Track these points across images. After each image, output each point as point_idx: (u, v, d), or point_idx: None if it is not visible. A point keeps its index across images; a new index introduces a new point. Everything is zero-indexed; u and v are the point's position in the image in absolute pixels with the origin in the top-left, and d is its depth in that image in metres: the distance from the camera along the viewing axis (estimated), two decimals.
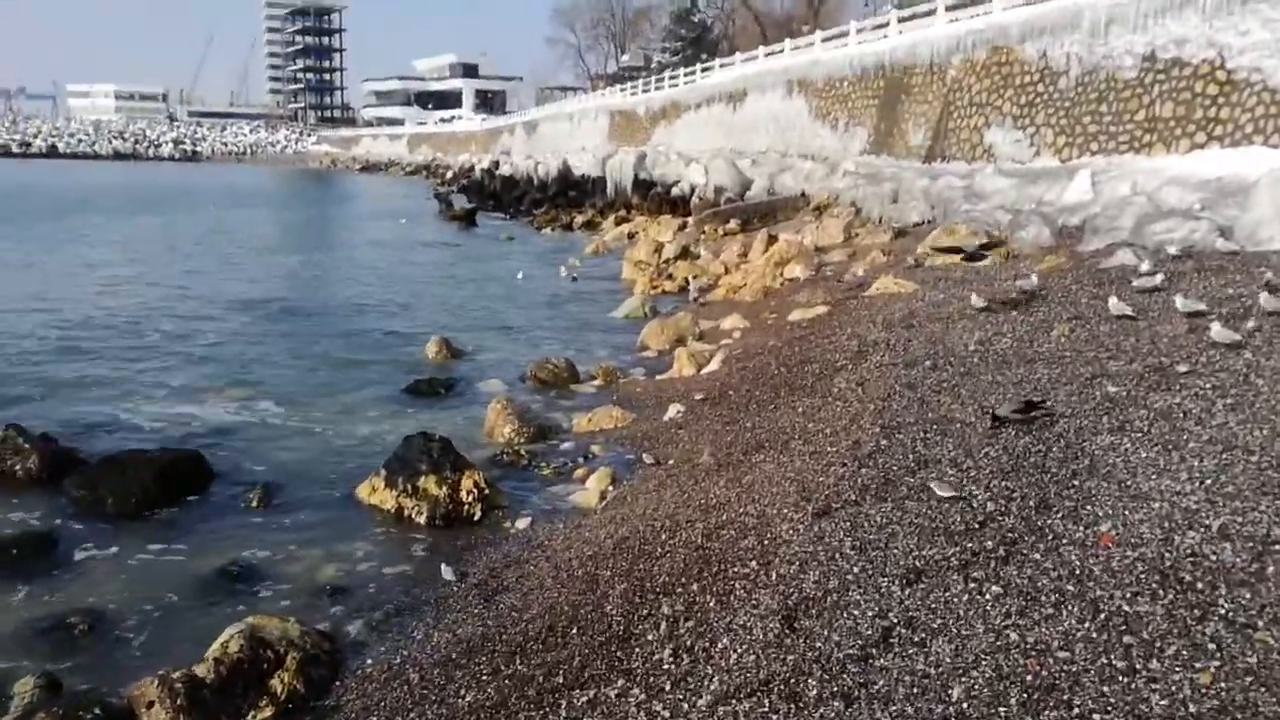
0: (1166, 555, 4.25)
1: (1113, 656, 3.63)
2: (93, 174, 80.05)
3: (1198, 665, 3.48)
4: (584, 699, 4.19)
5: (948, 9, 25.08)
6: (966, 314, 10.94)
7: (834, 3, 67.84)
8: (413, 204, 49.82)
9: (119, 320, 15.60)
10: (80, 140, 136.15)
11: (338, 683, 5.00)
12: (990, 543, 4.75)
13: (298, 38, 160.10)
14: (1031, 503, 5.16)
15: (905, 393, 8.22)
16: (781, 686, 3.88)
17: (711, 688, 4.00)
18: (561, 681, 4.38)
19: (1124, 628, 3.80)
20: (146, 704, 4.51)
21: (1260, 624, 3.68)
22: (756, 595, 4.67)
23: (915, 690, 3.68)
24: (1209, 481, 4.96)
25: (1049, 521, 4.88)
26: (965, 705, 3.53)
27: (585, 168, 43.56)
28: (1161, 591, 3.99)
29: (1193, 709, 3.30)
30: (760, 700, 3.83)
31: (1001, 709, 3.47)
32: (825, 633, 4.19)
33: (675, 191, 33.79)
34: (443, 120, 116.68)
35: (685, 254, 23.40)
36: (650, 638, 4.55)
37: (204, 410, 10.43)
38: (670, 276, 20.99)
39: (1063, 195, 16.04)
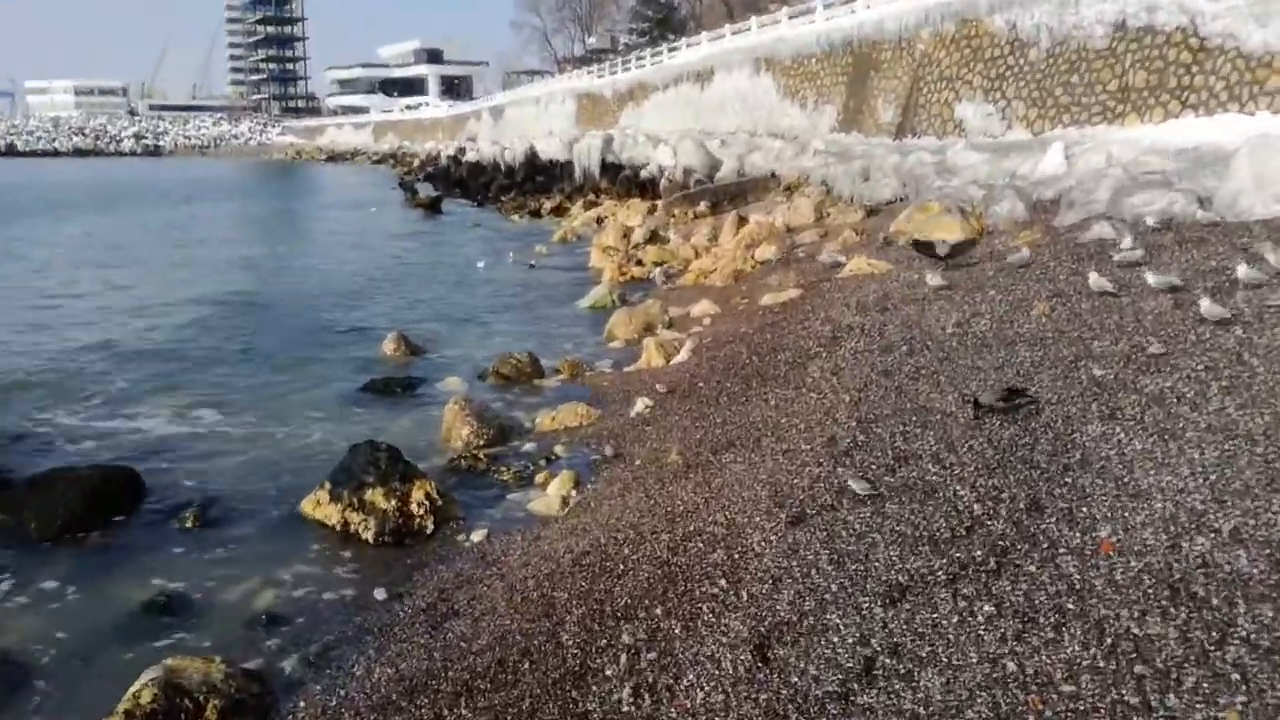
0: (1175, 565, 3.85)
1: (1124, 690, 3.22)
2: (51, 172, 78.35)
3: (1221, 701, 3.08)
4: None
5: None
6: (942, 294, 10.54)
7: None
8: (377, 193, 48.99)
9: (60, 323, 14.94)
10: (40, 138, 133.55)
11: None
12: (980, 552, 4.33)
13: (259, 27, 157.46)
14: (1022, 504, 4.75)
15: (881, 381, 7.81)
16: None
17: None
18: None
19: (1134, 654, 3.39)
20: None
21: None
22: (726, 620, 4.23)
23: None
24: (1213, 476, 4.56)
25: (1042, 526, 4.47)
26: None
27: (552, 152, 42.86)
28: (1173, 609, 3.58)
29: None
30: None
31: None
32: (801, 665, 3.76)
33: (644, 174, 33.24)
34: (409, 108, 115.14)
35: (654, 238, 22.91)
36: (609, 672, 4.10)
37: (144, 419, 9.85)
38: (639, 262, 20.51)
39: (1036, 168, 15.68)
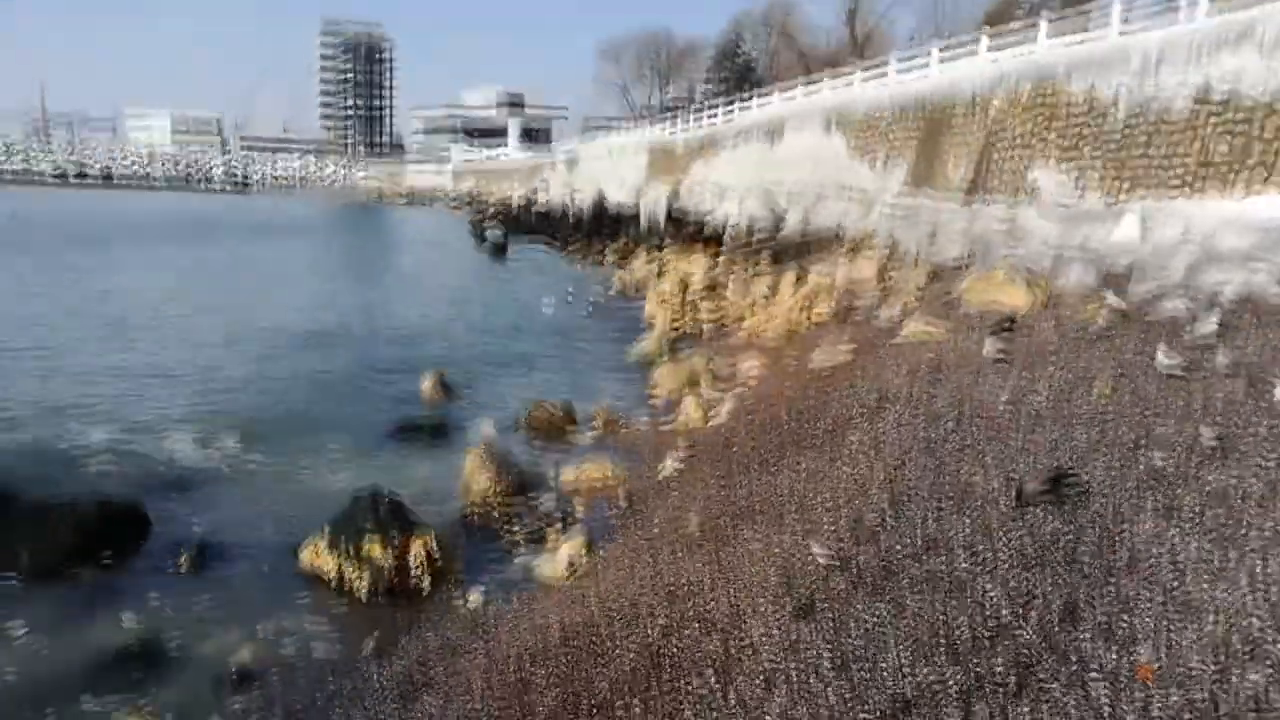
0: (1222, 701, 3.31)
1: None
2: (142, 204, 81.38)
3: None
4: None
5: (990, 40, 24.17)
6: (1000, 363, 9.98)
7: (879, 39, 67.06)
8: (450, 234, 49.66)
9: (123, 348, 15.10)
10: (134, 164, 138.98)
11: None
12: (1001, 664, 3.83)
13: (350, 73, 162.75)
14: (1056, 609, 4.23)
15: (922, 456, 7.30)
16: None
17: None
18: None
19: None
20: None
21: None
22: None
23: None
24: (1275, 593, 4.00)
25: (1075, 639, 3.95)
26: None
27: (621, 200, 43.03)
28: None
29: None
30: None
31: None
32: None
33: (708, 226, 33.06)
34: (488, 153, 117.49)
35: (712, 290, 22.58)
36: None
37: (173, 447, 9.76)
38: (695, 313, 20.18)
39: (1109, 237, 15.01)
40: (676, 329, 18.95)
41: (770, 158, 36.58)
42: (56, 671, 5.33)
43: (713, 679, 4.13)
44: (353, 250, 42.64)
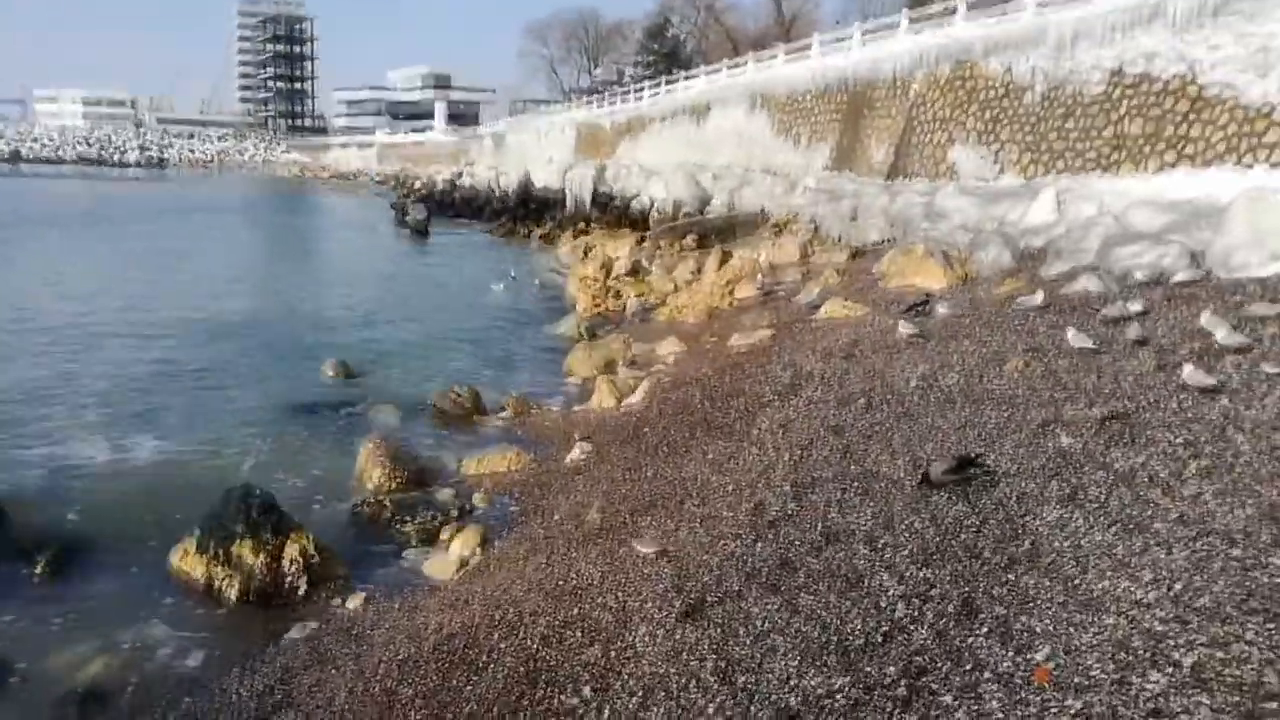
0: (1120, 711, 3.07)
1: None
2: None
3: None
4: None
5: (911, 23, 24.17)
6: (914, 342, 9.83)
7: (806, 20, 67.18)
8: (372, 214, 48.40)
9: (17, 342, 14.16)
10: (45, 146, 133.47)
11: None
12: (892, 670, 3.57)
13: (269, 46, 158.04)
14: (952, 606, 3.99)
15: (830, 438, 7.07)
16: None
17: None
18: None
19: None
20: None
21: None
22: None
23: None
24: (1179, 585, 3.80)
25: (971, 639, 3.71)
26: None
27: (547, 181, 42.41)
28: None
29: None
30: None
31: None
32: None
33: (635, 206, 32.70)
34: (414, 132, 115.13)
35: (636, 271, 22.24)
36: None
37: (48, 443, 9.09)
38: (617, 295, 19.83)
39: (1026, 215, 15.03)
40: (599, 311, 18.58)
41: (697, 138, 36.34)
42: None
43: (588, 692, 3.80)
44: (266, 232, 41.16)
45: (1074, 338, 8.41)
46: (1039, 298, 10.39)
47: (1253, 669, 3.15)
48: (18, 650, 5.30)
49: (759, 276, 17.69)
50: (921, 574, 4.38)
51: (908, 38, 23.96)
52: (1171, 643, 3.36)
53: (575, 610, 4.57)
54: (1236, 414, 6.07)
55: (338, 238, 36.17)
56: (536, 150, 57.31)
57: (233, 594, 5.80)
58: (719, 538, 5.23)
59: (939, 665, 3.53)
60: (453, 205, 48.18)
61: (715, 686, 3.65)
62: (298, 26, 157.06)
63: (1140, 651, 3.33)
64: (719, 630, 4.07)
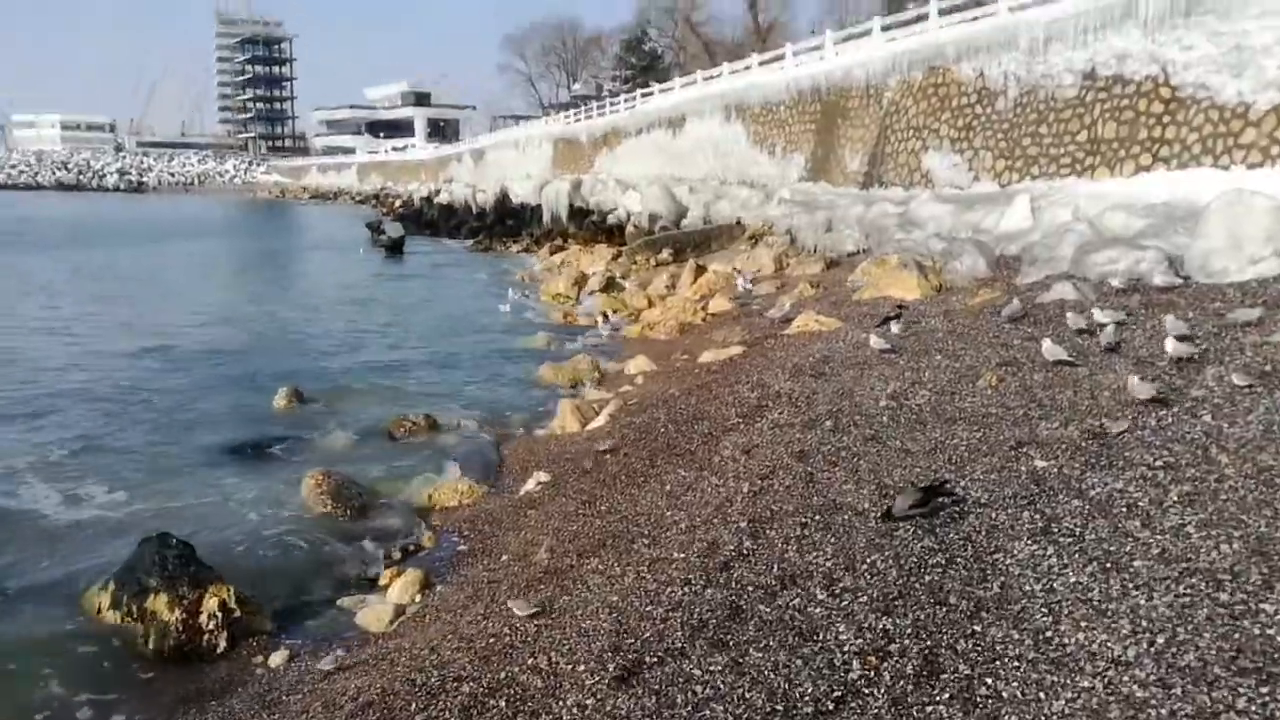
0: None
1: None
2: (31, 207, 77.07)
3: None
4: None
5: (883, 29, 23.95)
6: (885, 359, 9.46)
7: (782, 30, 67.20)
8: (351, 233, 47.81)
9: None
10: (22, 171, 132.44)
11: None
12: None
13: (248, 67, 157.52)
14: (912, 666, 3.59)
15: (794, 465, 6.67)
16: None
17: None
18: None
19: None
20: None
21: None
22: None
23: None
24: (1161, 639, 3.40)
25: (931, 707, 3.30)
26: None
27: (524, 195, 42.09)
28: None
29: None
30: None
31: None
32: None
33: (611, 219, 32.42)
34: (395, 149, 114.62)
35: (610, 285, 21.85)
36: None
37: None
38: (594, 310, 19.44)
39: (1001, 222, 14.74)
40: (569, 323, 18.18)
41: (673, 149, 36.09)
42: None
43: None
44: (244, 252, 40.60)
45: (1049, 349, 8.06)
46: (1014, 307, 10.06)
47: None
48: None
49: (739, 285, 17.41)
50: (881, 624, 3.98)
51: (881, 43, 23.77)
52: (1153, 713, 2.96)
53: (504, 673, 4.15)
54: (1219, 431, 5.71)
55: (311, 257, 35.69)
56: (516, 165, 57.03)
57: (148, 650, 5.35)
58: (667, 583, 4.82)
59: None
60: (430, 222, 47.79)
61: None
62: (276, 46, 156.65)
63: None
64: (654, 699, 3.65)
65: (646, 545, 5.59)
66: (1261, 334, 7.59)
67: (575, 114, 53.09)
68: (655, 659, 4.00)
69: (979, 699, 3.28)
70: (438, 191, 56.22)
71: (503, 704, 3.88)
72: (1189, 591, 3.74)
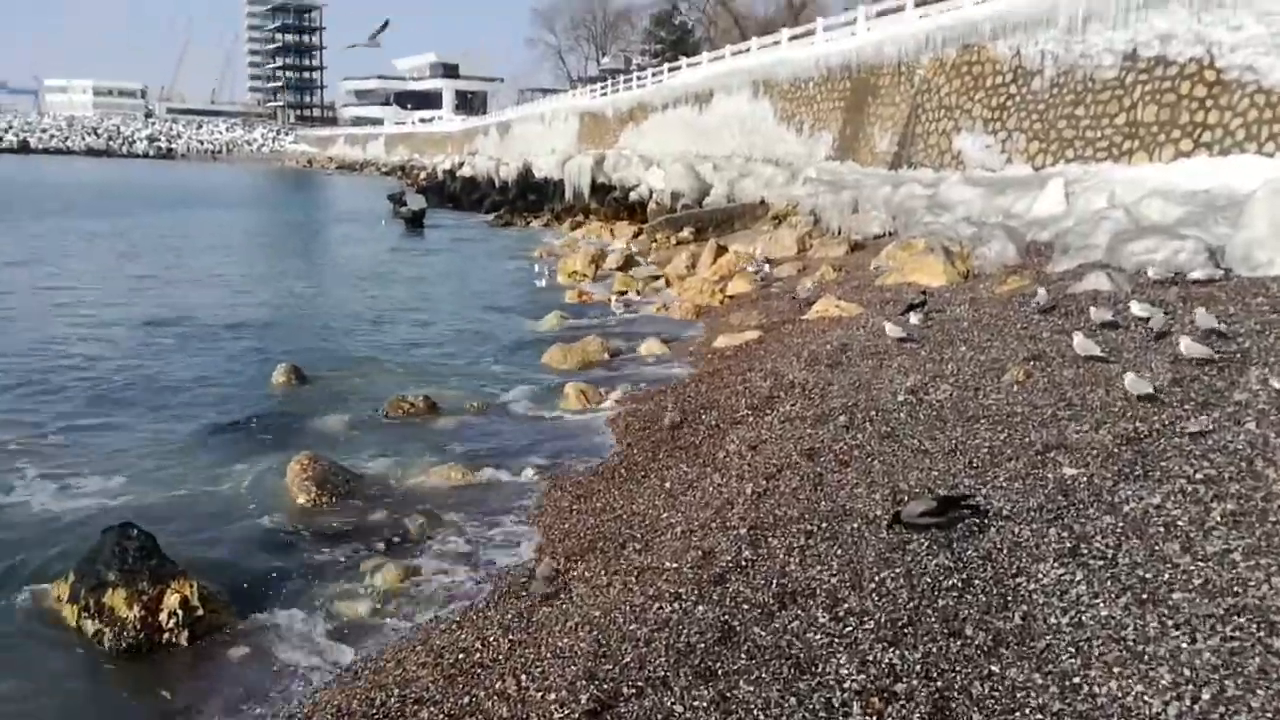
0: None
1: None
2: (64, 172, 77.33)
3: None
4: None
5: (917, 4, 23.17)
6: (905, 349, 9.00)
7: (815, 5, 65.96)
8: (374, 204, 47.51)
9: None
10: (53, 136, 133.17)
11: None
12: None
13: (278, 35, 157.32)
14: (919, 714, 3.17)
15: (802, 464, 6.25)
16: None
17: None
18: None
19: None
20: None
21: None
22: None
23: None
24: (1206, 696, 2.97)
25: None
26: None
27: (547, 170, 41.58)
28: None
29: None
30: None
31: None
32: None
33: (633, 196, 31.88)
34: (422, 120, 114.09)
35: (629, 263, 21.39)
36: None
37: None
38: (612, 289, 18.99)
39: (1033, 207, 14.14)
40: (585, 301, 17.75)
41: (699, 124, 35.42)
42: None
43: None
44: (258, 223, 40.30)
45: (1080, 344, 7.56)
46: (1044, 297, 9.54)
47: None
48: None
49: (761, 265, 16.97)
50: (887, 657, 3.57)
51: (914, 20, 23.01)
52: None
53: (467, 698, 3.77)
54: (1266, 442, 5.23)
55: (332, 231, 35.39)
56: (541, 139, 56.46)
57: (105, 646, 5.02)
58: (655, 598, 4.42)
59: None
60: (453, 195, 47.45)
61: None
62: (306, 15, 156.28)
63: None
64: None
65: (637, 551, 5.20)
66: None
67: (601, 88, 52.41)
68: (633, 690, 3.60)
69: None
70: (461, 164, 55.72)
71: None
72: (1237, 634, 3.29)
